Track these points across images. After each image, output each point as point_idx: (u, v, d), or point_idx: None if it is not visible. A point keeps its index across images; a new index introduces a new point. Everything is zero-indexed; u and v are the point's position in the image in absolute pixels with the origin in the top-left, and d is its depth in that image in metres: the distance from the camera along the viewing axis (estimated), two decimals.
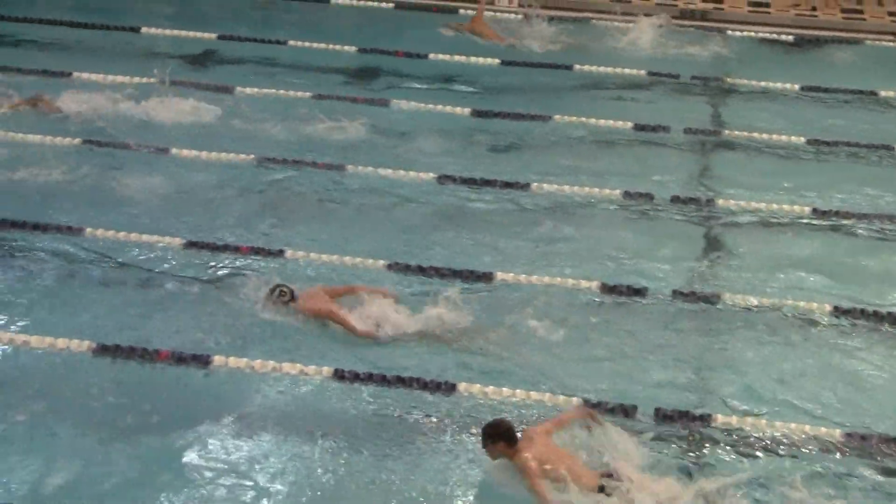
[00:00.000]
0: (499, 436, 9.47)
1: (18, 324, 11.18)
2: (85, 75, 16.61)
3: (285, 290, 11.42)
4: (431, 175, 14.35)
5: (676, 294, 12.17)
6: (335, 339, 11.24)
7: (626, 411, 10.43)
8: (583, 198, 14.06)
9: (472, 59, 18.06)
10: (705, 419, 10.41)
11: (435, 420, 10.23)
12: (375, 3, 19.82)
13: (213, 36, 18.40)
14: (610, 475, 9.40)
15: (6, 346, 10.85)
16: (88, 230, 12.68)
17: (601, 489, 9.32)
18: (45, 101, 15.52)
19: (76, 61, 17.17)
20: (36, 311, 11.45)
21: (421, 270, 12.39)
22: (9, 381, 10.47)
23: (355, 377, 10.65)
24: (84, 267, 12.21)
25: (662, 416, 10.41)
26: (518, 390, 10.59)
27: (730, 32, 19.41)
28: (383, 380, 10.63)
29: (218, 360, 10.76)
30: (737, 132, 15.85)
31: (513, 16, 19.56)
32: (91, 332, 11.05)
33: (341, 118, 15.65)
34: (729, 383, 11.00)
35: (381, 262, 12.47)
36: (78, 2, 19.70)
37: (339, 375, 10.64)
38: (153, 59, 17.41)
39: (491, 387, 10.59)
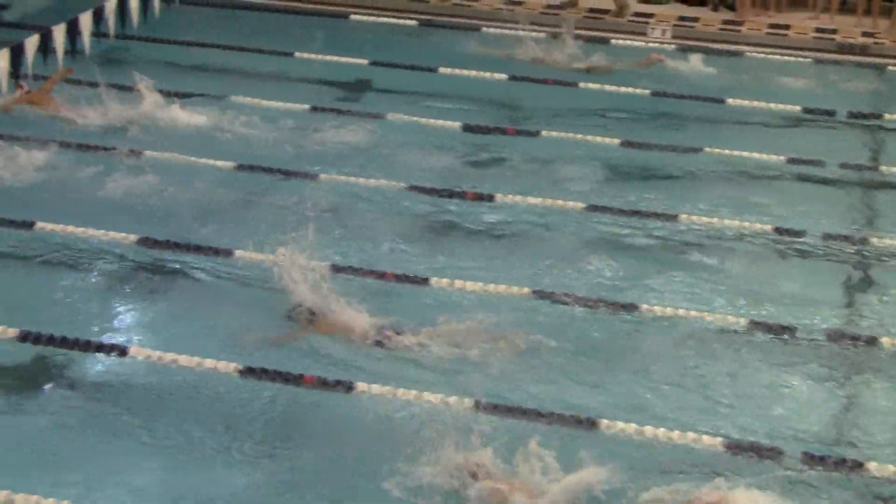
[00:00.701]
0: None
1: (169, 342, 11.33)
2: (239, 98, 16.90)
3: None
4: (580, 205, 14.28)
5: (827, 334, 11.91)
6: None
7: (771, 453, 10.20)
8: (733, 231, 13.87)
9: (623, 88, 18.00)
10: (857, 466, 10.14)
11: None
12: (524, 32, 19.84)
13: (366, 62, 18.58)
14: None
15: (157, 364, 11.00)
16: (238, 252, 12.83)
17: None
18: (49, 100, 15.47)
19: (231, 85, 17.47)
20: (185, 329, 11.60)
21: (567, 299, 12.31)
22: (157, 398, 10.61)
23: None
24: (234, 289, 12.35)
25: (811, 460, 10.16)
26: (661, 429, 10.42)
27: (890, 68, 19.04)
28: None
29: (361, 386, 10.79)
30: (894, 169, 15.53)
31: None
32: (237, 355, 11.16)
33: (490, 147, 15.70)
34: (883, 429, 10.69)
35: (527, 290, 12.42)
36: (232, 25, 20.06)
37: None
38: (306, 84, 17.70)
39: (633, 425, 10.45)
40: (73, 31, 14.26)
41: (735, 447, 10.18)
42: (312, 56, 18.76)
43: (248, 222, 13.65)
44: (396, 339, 11.33)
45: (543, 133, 16.36)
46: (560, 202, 14.35)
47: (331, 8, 21.02)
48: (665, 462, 10.03)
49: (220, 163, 14.90)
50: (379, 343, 11.31)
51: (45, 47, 14.04)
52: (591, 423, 10.39)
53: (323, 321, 11.54)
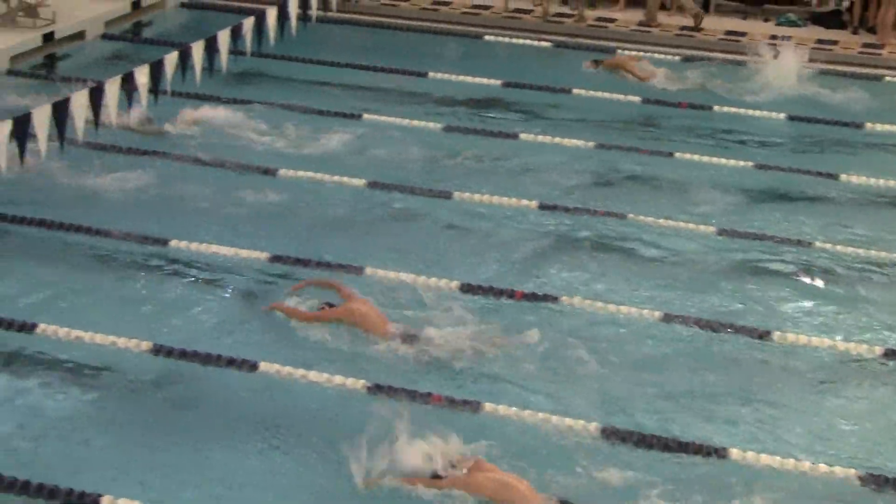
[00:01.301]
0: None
1: (297, 359, 11.41)
2: (373, 117, 17.01)
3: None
4: (711, 228, 14.12)
5: None
6: None
7: None
8: (866, 260, 13.60)
9: (757, 112, 17.79)
10: None
11: None
12: (662, 56, 19.71)
13: (499, 83, 18.60)
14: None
15: (286, 379, 11.09)
16: (368, 269, 12.90)
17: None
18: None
19: (365, 103, 17.60)
20: (311, 346, 11.67)
21: (697, 323, 12.18)
22: (284, 413, 10.69)
23: None
24: None
25: None
26: (790, 459, 10.24)
27: None
28: None
29: (488, 406, 10.77)
30: None
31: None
32: (366, 373, 11.20)
33: (622, 168, 15.63)
34: None
35: (657, 314, 12.29)
36: (368, 44, 20.21)
37: None
38: (440, 103, 17.78)
39: (765, 455, 10.27)
40: (210, 49, 14.47)
41: (868, 479, 9.99)
42: (447, 76, 18.82)
43: (379, 240, 13.72)
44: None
45: (676, 155, 16.22)
46: (692, 225, 14.20)
47: (465, 28, 21.09)
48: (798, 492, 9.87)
49: (354, 181, 15.01)
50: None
51: (184, 64, 14.27)
52: (720, 453, 10.28)
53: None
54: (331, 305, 11.89)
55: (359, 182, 14.98)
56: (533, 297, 12.54)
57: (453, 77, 18.81)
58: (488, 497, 9.45)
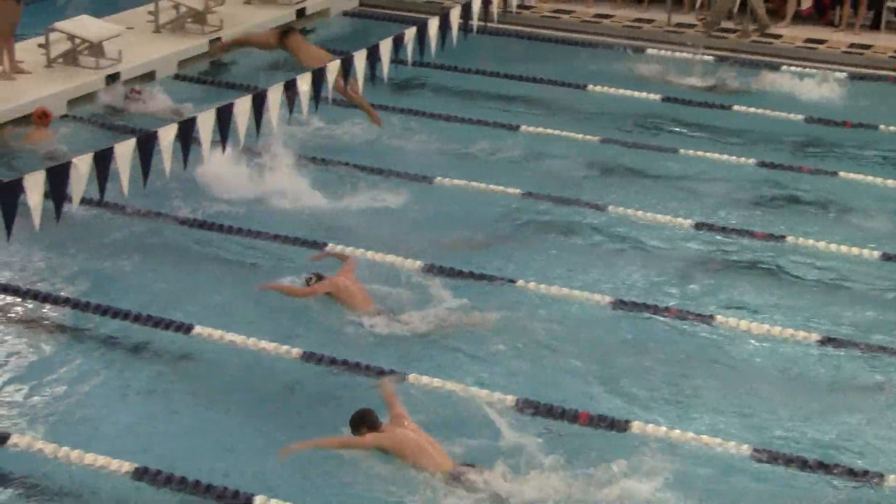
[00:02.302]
0: (361, 423, 9.91)
1: (447, 371, 11.42)
2: (530, 128, 16.97)
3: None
4: (875, 253, 13.76)
5: None
6: None
7: None
8: None
9: None
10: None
11: None
12: (829, 72, 19.32)
13: (658, 97, 18.41)
14: (471, 465, 9.76)
15: (438, 390, 11.10)
16: (520, 282, 12.83)
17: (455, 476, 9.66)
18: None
19: (522, 114, 17.55)
20: (465, 360, 11.67)
21: (854, 346, 11.93)
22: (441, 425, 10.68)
23: None
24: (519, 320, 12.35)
25: None
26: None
27: None
28: None
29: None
30: None
31: None
32: (514, 387, 11.16)
33: (784, 186, 15.33)
34: None
35: (815, 336, 12.04)
36: (528, 56, 20.15)
37: None
38: (598, 116, 17.66)
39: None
40: (372, 57, 14.56)
41: None
42: (607, 89, 18.68)
43: (535, 251, 13.66)
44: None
45: (841, 174, 15.84)
46: (855, 249, 13.84)
47: (627, 42, 20.91)
48: None
49: (509, 190, 14.97)
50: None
51: (346, 72, 14.38)
52: None
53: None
54: (319, 277, 12.21)
55: (514, 191, 14.93)
56: (684, 314, 12.38)
57: (613, 90, 18.66)
58: (401, 455, 9.86)
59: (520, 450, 10.10)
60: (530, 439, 10.26)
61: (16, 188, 10.50)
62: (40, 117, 15.73)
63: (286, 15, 20.89)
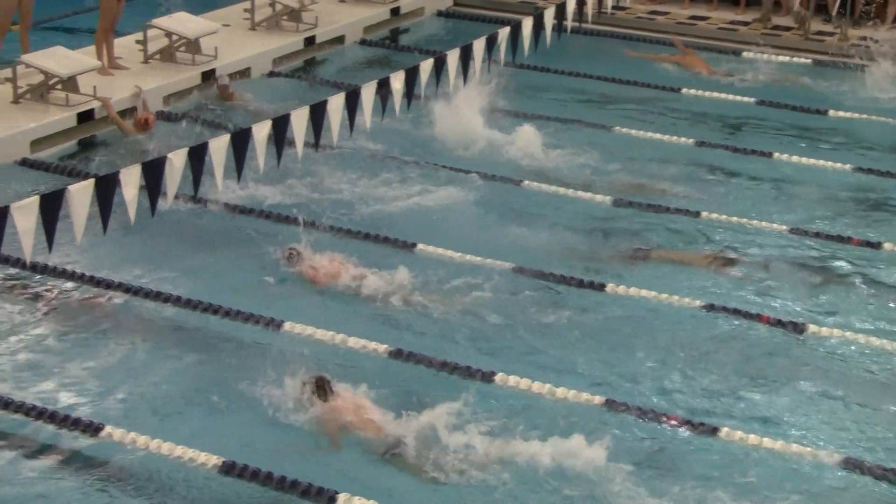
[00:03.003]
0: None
1: (534, 371, 11.40)
2: (623, 130, 16.89)
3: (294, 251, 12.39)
4: None
5: None
6: None
7: None
8: None
9: None
10: None
11: None
12: None
13: (752, 101, 18.23)
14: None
15: (523, 390, 11.08)
16: (610, 286, 12.77)
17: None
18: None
19: (615, 116, 17.47)
20: (556, 361, 11.64)
21: None
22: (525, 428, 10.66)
23: None
24: (623, 326, 12.28)
25: None
26: None
27: None
28: None
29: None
30: None
31: None
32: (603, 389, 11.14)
33: (882, 192, 15.10)
34: None
35: None
36: (621, 56, 20.05)
37: None
38: (693, 119, 17.53)
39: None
40: (465, 58, 14.56)
41: None
42: (701, 92, 18.54)
43: (625, 255, 13.56)
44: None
45: None
46: None
47: (724, 44, 20.73)
48: None
49: (597, 197, 14.89)
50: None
51: (438, 72, 14.40)
52: None
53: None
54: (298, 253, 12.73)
55: (603, 199, 14.85)
56: (777, 322, 12.24)
57: (707, 93, 18.51)
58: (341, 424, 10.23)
59: None
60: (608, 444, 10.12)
61: (112, 182, 10.62)
62: (142, 125, 15.90)
63: (381, 13, 20.98)
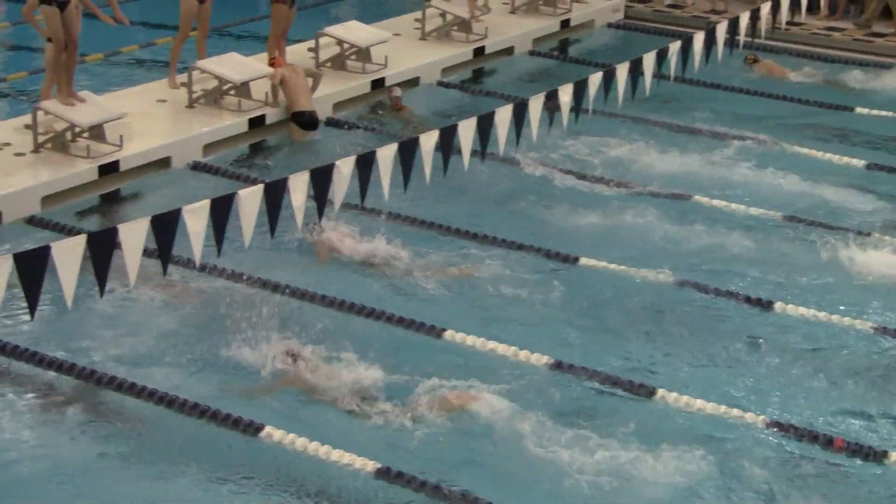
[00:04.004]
0: None
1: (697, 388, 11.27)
2: (793, 147, 16.59)
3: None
4: None
5: None
6: None
7: None
8: None
9: None
10: None
11: None
12: None
13: None
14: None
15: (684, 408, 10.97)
16: (778, 304, 12.58)
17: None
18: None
19: (785, 133, 17.15)
20: (712, 375, 11.49)
21: None
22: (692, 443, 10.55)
23: None
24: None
25: None
26: None
27: None
28: None
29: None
30: None
31: None
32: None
33: None
34: None
35: None
36: (794, 74, 19.73)
37: None
38: (864, 139, 17.16)
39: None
40: (635, 71, 14.45)
41: None
42: (876, 112, 18.13)
43: (791, 274, 13.34)
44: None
45: None
46: None
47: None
48: None
49: (760, 211, 14.64)
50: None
51: (607, 85, 14.31)
52: None
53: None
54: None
55: (776, 214, 14.61)
56: (885, 331, 12.04)
57: (883, 113, 18.08)
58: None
59: None
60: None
61: (281, 188, 10.78)
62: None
63: (551, 25, 20.97)
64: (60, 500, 9.66)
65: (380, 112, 17.39)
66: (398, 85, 17.75)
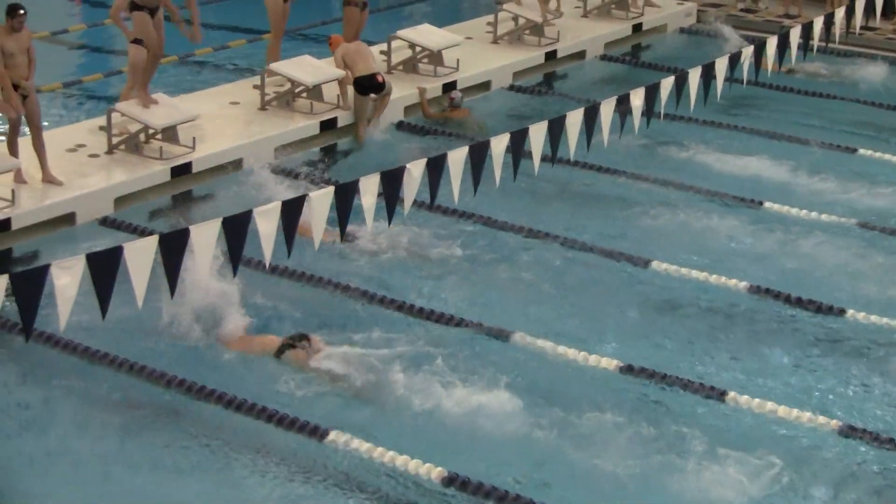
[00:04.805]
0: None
1: (769, 392, 11.17)
2: (871, 153, 16.40)
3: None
4: None
5: None
6: None
7: None
8: None
9: None
10: None
11: None
12: None
13: None
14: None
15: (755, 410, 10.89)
16: (850, 312, 12.45)
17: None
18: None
19: (862, 139, 16.95)
20: (786, 381, 11.40)
21: None
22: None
23: None
24: (832, 347, 12.02)
25: None
26: None
27: None
28: None
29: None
30: None
31: None
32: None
33: None
34: None
35: None
36: (872, 78, 19.52)
37: None
38: None
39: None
40: (707, 76, 14.38)
41: None
42: None
43: (858, 280, 13.20)
44: None
45: None
46: None
47: None
48: None
49: (843, 220, 14.46)
50: None
51: (679, 89, 14.25)
52: None
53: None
54: None
55: (849, 221, 14.45)
56: None
57: None
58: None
59: None
60: None
61: (352, 190, 10.84)
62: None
63: (623, 29, 20.88)
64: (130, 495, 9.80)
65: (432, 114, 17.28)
66: (470, 88, 17.77)
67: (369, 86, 16.33)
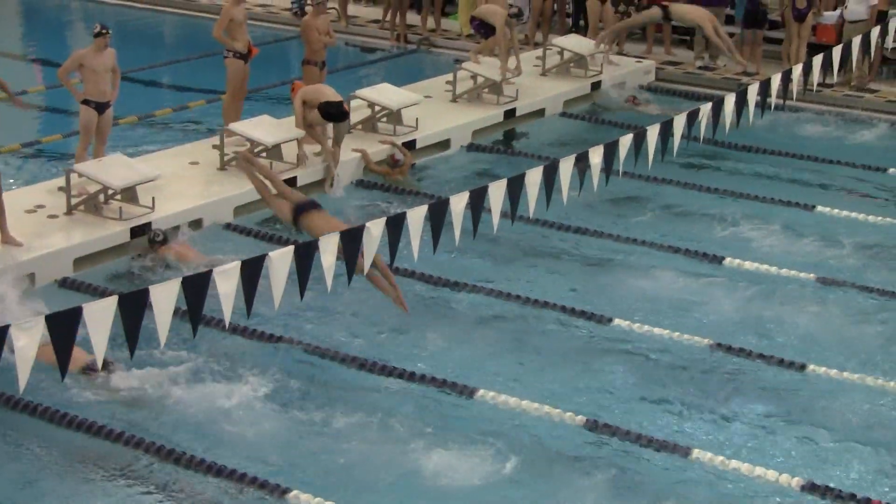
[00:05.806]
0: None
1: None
2: (827, 210, 16.50)
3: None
4: None
5: None
6: None
7: None
8: None
9: None
10: None
11: None
12: None
13: None
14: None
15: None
16: (811, 367, 12.47)
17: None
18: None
19: (819, 196, 17.08)
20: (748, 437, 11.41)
21: None
22: None
23: None
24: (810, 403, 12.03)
25: None
26: None
27: None
28: None
29: None
30: None
31: None
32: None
33: None
34: None
35: None
36: (826, 135, 19.67)
37: None
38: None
39: None
40: (665, 133, 14.48)
41: None
42: None
43: (829, 335, 13.25)
44: None
45: None
46: None
47: None
48: None
49: (801, 275, 14.55)
50: None
51: (637, 147, 14.33)
52: None
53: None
54: None
55: (808, 276, 14.51)
56: None
57: None
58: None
59: None
60: None
61: (312, 248, 10.85)
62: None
63: (581, 87, 21.01)
64: None
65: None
66: (429, 147, 17.82)
67: (336, 113, 16.18)
